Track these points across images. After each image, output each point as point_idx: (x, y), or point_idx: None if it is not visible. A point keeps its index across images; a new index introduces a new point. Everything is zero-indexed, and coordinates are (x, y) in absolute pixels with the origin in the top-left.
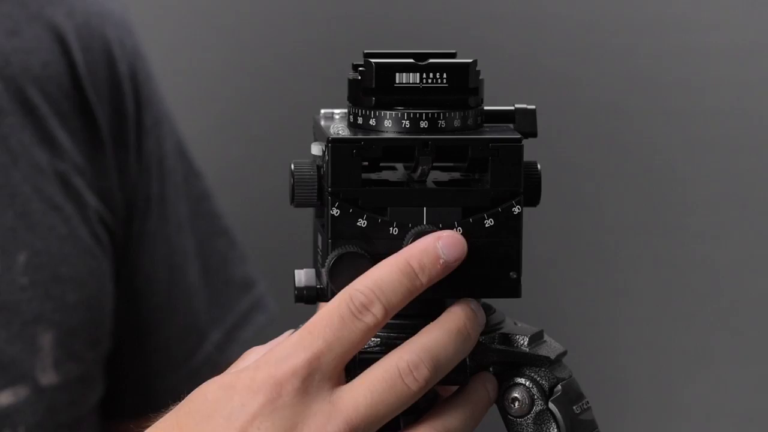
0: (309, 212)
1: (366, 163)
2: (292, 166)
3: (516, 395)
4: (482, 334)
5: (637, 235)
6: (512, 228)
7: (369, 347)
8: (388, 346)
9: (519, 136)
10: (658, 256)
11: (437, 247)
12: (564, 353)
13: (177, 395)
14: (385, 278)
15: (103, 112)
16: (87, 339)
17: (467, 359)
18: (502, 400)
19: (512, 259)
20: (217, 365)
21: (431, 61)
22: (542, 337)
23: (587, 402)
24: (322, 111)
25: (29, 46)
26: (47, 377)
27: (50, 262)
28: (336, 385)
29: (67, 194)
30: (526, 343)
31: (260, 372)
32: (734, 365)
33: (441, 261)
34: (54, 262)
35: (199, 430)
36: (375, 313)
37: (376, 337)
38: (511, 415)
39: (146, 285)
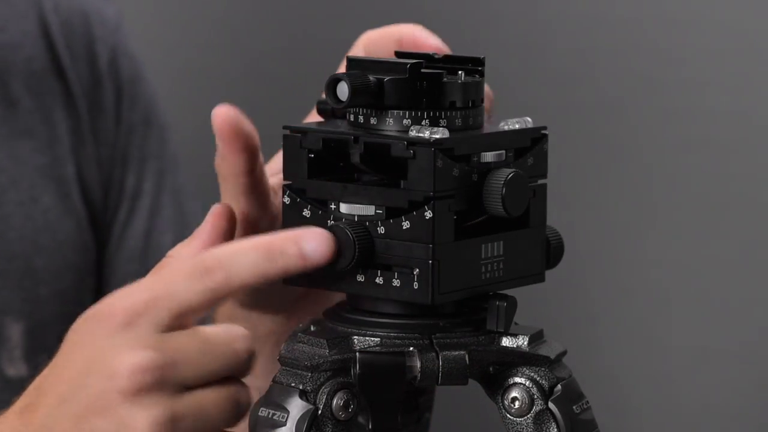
0: None
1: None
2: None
3: (516, 395)
4: (482, 334)
5: (637, 235)
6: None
7: (369, 347)
8: (387, 345)
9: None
10: (658, 256)
11: (303, 238)
12: (564, 353)
13: None
14: (239, 251)
15: (85, 105)
16: (63, 332)
17: (466, 359)
18: (501, 399)
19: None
20: None
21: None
22: (542, 337)
23: (587, 402)
24: None
25: (15, 41)
26: (15, 368)
27: (23, 253)
28: (164, 331)
29: (47, 186)
30: (526, 343)
31: (106, 304)
32: (734, 365)
33: (302, 252)
34: (27, 253)
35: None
36: (215, 279)
37: (375, 336)
38: (511, 415)
39: (120, 275)
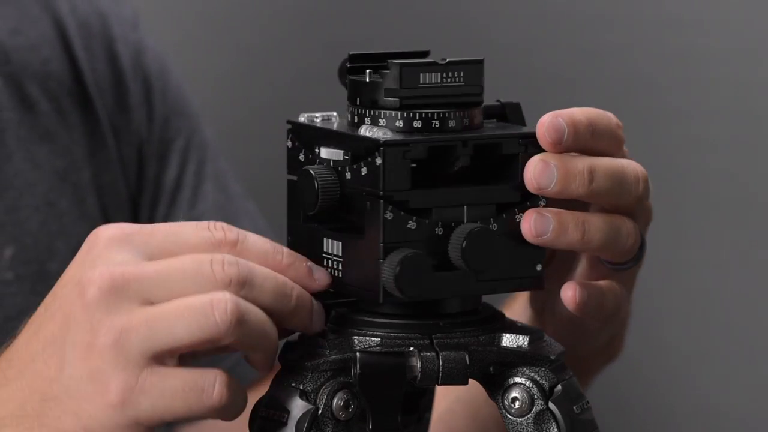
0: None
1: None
2: (313, 173)
3: (516, 395)
4: (482, 333)
5: None
6: None
7: (369, 347)
8: (387, 345)
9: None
10: (658, 255)
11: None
12: (564, 353)
13: None
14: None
15: (104, 107)
16: None
17: (467, 359)
18: (502, 399)
19: (539, 252)
20: None
21: (450, 60)
22: (542, 337)
23: (587, 402)
24: (306, 115)
25: (31, 43)
26: None
27: (38, 258)
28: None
29: (63, 190)
30: (526, 343)
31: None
32: (734, 365)
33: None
34: (42, 258)
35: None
36: (219, 235)
37: (375, 336)
38: (511, 415)
39: None
